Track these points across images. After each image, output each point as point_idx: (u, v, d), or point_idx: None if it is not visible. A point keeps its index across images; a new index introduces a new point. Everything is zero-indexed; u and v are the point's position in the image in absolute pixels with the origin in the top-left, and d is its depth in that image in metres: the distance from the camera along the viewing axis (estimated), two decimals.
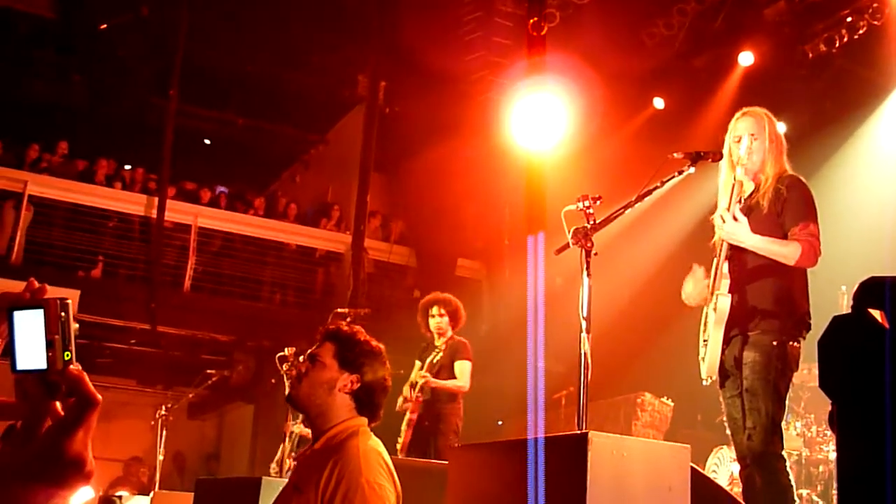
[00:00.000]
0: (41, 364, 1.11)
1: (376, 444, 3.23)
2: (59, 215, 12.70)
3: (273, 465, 9.75)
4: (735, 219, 4.38)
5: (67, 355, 1.11)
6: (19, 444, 1.10)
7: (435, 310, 7.31)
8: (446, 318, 7.30)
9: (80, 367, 1.12)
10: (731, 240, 4.43)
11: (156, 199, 12.70)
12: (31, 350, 1.12)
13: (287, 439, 9.75)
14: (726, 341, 4.42)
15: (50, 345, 1.11)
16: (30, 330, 1.13)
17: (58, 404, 1.13)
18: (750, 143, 4.52)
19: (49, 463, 1.08)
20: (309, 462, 3.19)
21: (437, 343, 7.23)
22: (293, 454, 9.71)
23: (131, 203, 13.13)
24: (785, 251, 4.33)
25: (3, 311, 1.16)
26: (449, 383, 7.03)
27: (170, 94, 12.77)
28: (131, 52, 13.85)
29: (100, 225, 12.81)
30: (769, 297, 4.39)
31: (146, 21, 13.36)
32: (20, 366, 1.12)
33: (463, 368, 7.17)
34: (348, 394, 3.26)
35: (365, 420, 3.29)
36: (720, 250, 4.50)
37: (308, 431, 9.60)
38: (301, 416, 9.75)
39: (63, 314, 1.13)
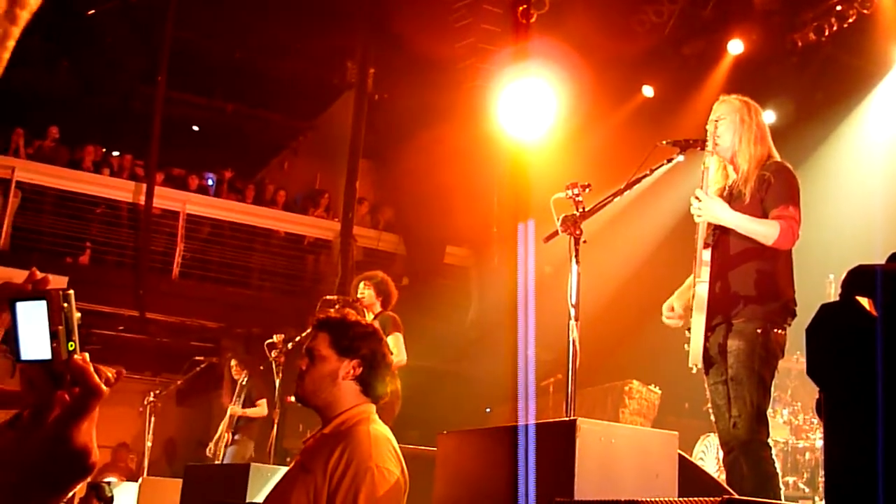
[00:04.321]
0: (46, 354, 1.13)
1: (385, 430, 3.25)
2: (47, 201, 12.65)
3: (210, 445, 9.81)
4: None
5: (71, 345, 1.14)
6: (26, 432, 1.11)
7: (361, 285, 7.20)
8: (371, 292, 7.13)
9: (85, 357, 1.14)
10: (708, 217, 4.41)
11: (144, 186, 12.65)
12: (34, 340, 1.14)
13: (227, 419, 9.80)
14: (710, 328, 4.41)
15: (54, 335, 1.13)
16: (33, 321, 1.15)
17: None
18: (715, 128, 4.51)
19: (56, 453, 1.09)
20: (318, 445, 3.21)
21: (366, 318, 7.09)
22: (230, 430, 9.75)
23: (119, 190, 13.08)
24: (763, 229, 4.31)
25: (4, 302, 1.17)
26: None
27: (157, 81, 12.70)
28: (119, 39, 13.77)
29: (88, 211, 12.76)
30: (752, 283, 4.37)
31: (133, 7, 13.28)
32: (24, 356, 1.14)
33: (396, 342, 6.89)
34: (353, 380, 3.26)
35: (373, 407, 3.30)
36: (699, 237, 4.48)
37: (244, 411, 9.69)
38: (237, 397, 9.81)
39: (66, 305, 1.15)
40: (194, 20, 12.99)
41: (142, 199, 12.62)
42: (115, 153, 14.01)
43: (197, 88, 14.83)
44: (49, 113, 13.66)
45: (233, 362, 10.31)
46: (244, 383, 9.87)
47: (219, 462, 9.41)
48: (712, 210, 4.38)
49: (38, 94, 13.83)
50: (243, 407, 9.83)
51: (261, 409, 9.75)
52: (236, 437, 9.71)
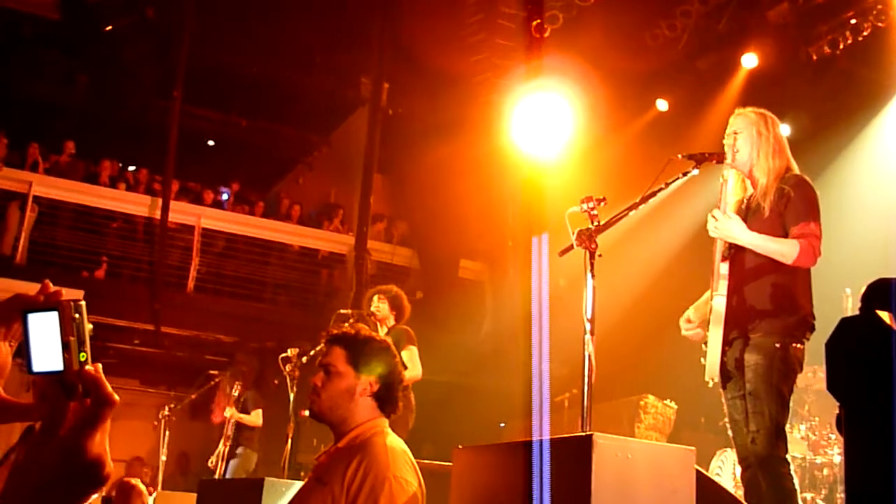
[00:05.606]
0: (57, 366, 1.13)
1: (400, 442, 3.27)
2: (63, 216, 12.73)
3: (212, 458, 9.79)
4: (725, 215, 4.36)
5: (83, 356, 1.13)
6: (39, 444, 1.10)
7: (375, 298, 7.23)
8: (385, 305, 7.17)
9: (97, 368, 1.13)
10: (725, 237, 4.38)
11: (159, 200, 12.72)
12: (46, 352, 1.14)
13: (227, 427, 9.79)
14: (727, 342, 4.38)
15: (66, 346, 1.13)
16: (45, 332, 1.14)
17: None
18: (733, 141, 4.49)
19: (69, 464, 1.09)
20: (332, 459, 3.21)
21: (379, 332, 7.08)
22: (227, 443, 9.74)
23: (135, 204, 13.17)
24: (782, 249, 4.27)
25: (17, 313, 1.17)
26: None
27: (174, 96, 12.78)
28: (136, 54, 13.86)
29: (104, 226, 12.84)
30: (770, 297, 4.33)
31: (151, 23, 13.37)
32: (36, 367, 1.14)
33: (411, 356, 6.90)
34: (370, 396, 3.26)
35: (386, 421, 3.32)
36: (717, 250, 4.45)
37: (240, 416, 9.71)
38: (234, 403, 9.80)
39: (77, 315, 1.14)
40: (211, 36, 13.08)
41: (157, 214, 12.69)
42: (132, 168, 14.09)
43: (212, 103, 14.91)
44: (66, 127, 13.77)
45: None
46: (242, 399, 9.86)
47: (219, 476, 9.40)
48: (730, 230, 4.34)
49: (55, 108, 13.94)
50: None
51: (255, 417, 9.76)
52: (238, 450, 9.70)
